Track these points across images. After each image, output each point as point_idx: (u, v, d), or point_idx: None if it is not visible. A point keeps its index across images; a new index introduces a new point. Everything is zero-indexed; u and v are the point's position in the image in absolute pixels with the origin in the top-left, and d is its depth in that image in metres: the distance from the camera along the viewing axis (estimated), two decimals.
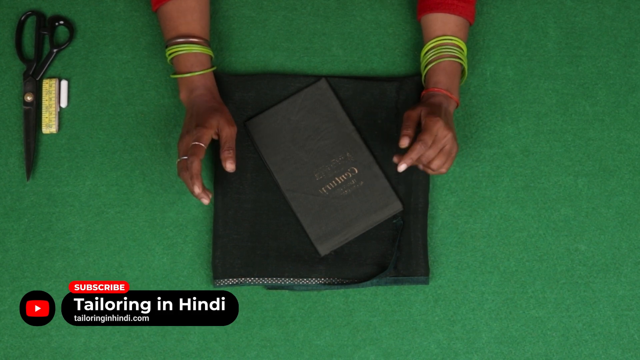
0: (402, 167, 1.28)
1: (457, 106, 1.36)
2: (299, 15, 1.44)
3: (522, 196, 1.41)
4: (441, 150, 1.30)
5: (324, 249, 1.38)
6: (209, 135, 1.28)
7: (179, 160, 1.29)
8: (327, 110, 1.41)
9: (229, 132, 1.30)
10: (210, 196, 1.29)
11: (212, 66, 1.36)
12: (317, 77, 1.42)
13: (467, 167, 1.42)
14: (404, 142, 1.28)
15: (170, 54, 1.34)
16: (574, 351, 1.39)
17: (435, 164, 1.30)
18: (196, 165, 1.26)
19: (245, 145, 1.40)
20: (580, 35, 1.44)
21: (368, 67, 1.44)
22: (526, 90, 1.43)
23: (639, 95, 1.44)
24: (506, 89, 1.43)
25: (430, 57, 1.36)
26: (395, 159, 1.29)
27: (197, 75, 1.33)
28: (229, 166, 1.29)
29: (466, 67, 1.37)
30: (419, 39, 1.44)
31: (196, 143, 1.27)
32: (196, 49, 1.33)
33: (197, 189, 1.27)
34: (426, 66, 1.37)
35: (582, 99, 1.43)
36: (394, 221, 1.39)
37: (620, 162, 1.42)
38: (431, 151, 1.29)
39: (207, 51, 1.34)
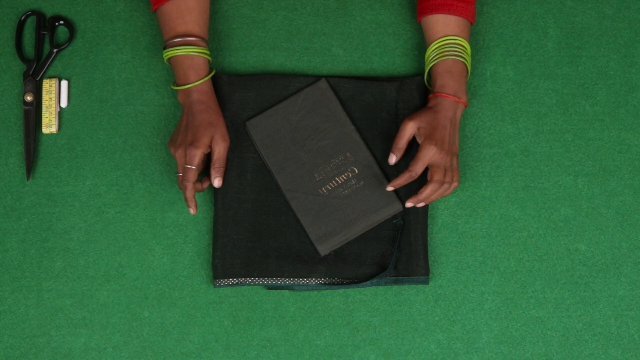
0: (389, 189, 1.35)
1: (465, 107, 1.37)
2: (299, 15, 1.45)
3: (522, 196, 1.41)
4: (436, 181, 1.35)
5: (324, 249, 1.38)
6: (200, 156, 1.32)
7: (177, 174, 1.34)
8: (327, 110, 1.41)
9: (221, 149, 1.33)
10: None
11: (210, 69, 1.36)
12: (317, 77, 1.42)
13: (467, 167, 1.42)
14: (391, 160, 1.36)
15: (167, 55, 1.34)
16: (574, 351, 1.39)
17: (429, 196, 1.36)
18: (190, 190, 1.32)
19: (245, 146, 1.40)
20: (580, 35, 1.44)
21: (368, 67, 1.44)
22: (526, 90, 1.43)
23: (639, 95, 1.44)
24: (506, 89, 1.43)
25: (435, 57, 1.36)
26: (390, 160, 1.36)
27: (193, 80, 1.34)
28: (217, 183, 1.35)
29: (470, 66, 1.37)
30: (419, 39, 1.44)
31: (188, 167, 1.31)
32: (192, 50, 1.33)
33: (193, 211, 1.33)
34: (430, 65, 1.36)
35: (582, 99, 1.43)
36: (394, 221, 1.39)
37: (620, 162, 1.42)
38: (437, 177, 1.34)
39: (204, 52, 1.34)
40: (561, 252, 1.40)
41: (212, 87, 1.36)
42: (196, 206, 1.34)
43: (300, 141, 1.40)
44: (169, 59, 1.34)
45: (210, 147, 1.33)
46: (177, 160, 1.33)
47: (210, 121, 1.33)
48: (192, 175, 1.32)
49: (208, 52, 1.35)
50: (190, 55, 1.33)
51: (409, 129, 1.34)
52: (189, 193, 1.32)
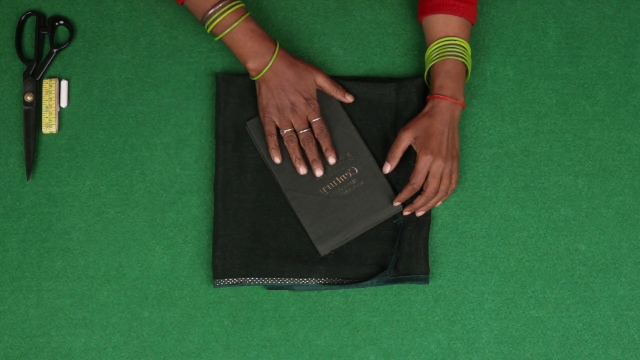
0: (396, 204, 1.38)
1: (462, 108, 1.37)
2: (299, 15, 1.44)
3: (522, 196, 1.41)
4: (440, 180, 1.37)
5: (324, 249, 1.38)
6: (318, 107, 1.37)
7: (289, 131, 1.36)
8: (328, 111, 1.41)
9: (324, 78, 1.37)
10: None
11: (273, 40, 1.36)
12: None
13: (467, 167, 1.42)
14: (386, 169, 1.37)
15: (211, 28, 1.33)
16: (574, 351, 1.39)
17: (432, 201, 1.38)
18: (329, 137, 1.38)
19: (246, 146, 1.40)
20: (580, 35, 1.44)
21: (368, 67, 1.44)
22: (526, 90, 1.43)
23: (639, 95, 1.44)
24: (506, 89, 1.43)
25: (435, 57, 1.36)
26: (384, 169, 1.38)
27: (263, 41, 1.34)
28: (349, 98, 1.40)
29: (470, 67, 1.37)
30: (419, 39, 1.44)
31: (318, 119, 1.36)
32: (230, 6, 1.32)
33: (333, 160, 1.38)
34: (430, 64, 1.37)
35: (582, 99, 1.43)
36: (394, 221, 1.39)
37: (620, 162, 1.42)
38: (430, 188, 1.36)
39: (237, 4, 1.33)
40: (561, 252, 1.40)
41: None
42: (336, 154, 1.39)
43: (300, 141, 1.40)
44: (224, 36, 1.34)
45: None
46: (298, 116, 1.35)
47: (301, 70, 1.35)
48: (323, 122, 1.36)
49: (240, 3, 1.34)
50: (237, 22, 1.32)
51: (405, 139, 1.35)
52: (329, 140, 1.37)
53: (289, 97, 1.34)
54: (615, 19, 1.45)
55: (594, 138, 1.43)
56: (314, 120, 1.36)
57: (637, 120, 1.43)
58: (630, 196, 1.41)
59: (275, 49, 1.34)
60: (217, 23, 1.33)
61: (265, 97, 1.35)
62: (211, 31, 1.34)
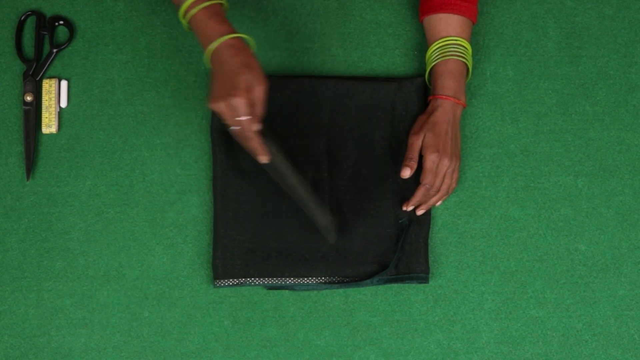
0: (409, 209, 1.37)
1: (463, 108, 1.37)
2: (299, 15, 1.44)
3: (522, 196, 1.41)
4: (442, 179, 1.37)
5: (332, 238, 1.37)
6: (245, 103, 1.20)
7: (231, 129, 1.23)
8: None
9: (257, 93, 1.21)
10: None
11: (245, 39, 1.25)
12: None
13: (467, 167, 1.42)
14: (405, 173, 1.35)
15: (183, 14, 1.24)
16: (574, 351, 1.39)
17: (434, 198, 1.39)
18: (254, 140, 1.24)
19: (242, 147, 1.40)
20: (580, 35, 1.45)
21: (368, 67, 1.44)
22: (526, 90, 1.43)
23: (639, 95, 1.44)
24: (506, 89, 1.43)
25: (436, 57, 1.36)
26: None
27: (214, 27, 1.23)
28: (254, 128, 1.24)
29: (471, 67, 1.37)
30: (419, 39, 1.44)
31: (238, 119, 1.20)
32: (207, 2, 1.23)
33: (266, 159, 1.25)
34: (432, 65, 1.37)
35: (582, 99, 1.43)
36: (400, 221, 1.39)
37: (620, 162, 1.42)
38: (433, 187, 1.36)
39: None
40: (561, 252, 1.40)
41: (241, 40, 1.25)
42: (267, 153, 1.26)
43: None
44: (189, 20, 1.25)
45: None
46: (224, 116, 1.21)
47: (243, 62, 1.21)
48: (248, 124, 1.21)
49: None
50: (205, 6, 1.23)
51: (416, 142, 1.36)
52: (254, 142, 1.23)
53: (222, 87, 1.21)
54: (615, 19, 1.45)
55: (594, 138, 1.43)
56: (237, 119, 1.22)
57: (637, 120, 1.43)
58: (630, 196, 1.41)
59: (227, 35, 1.22)
60: (186, 8, 1.24)
61: (210, 83, 1.23)
62: (183, 19, 1.25)
